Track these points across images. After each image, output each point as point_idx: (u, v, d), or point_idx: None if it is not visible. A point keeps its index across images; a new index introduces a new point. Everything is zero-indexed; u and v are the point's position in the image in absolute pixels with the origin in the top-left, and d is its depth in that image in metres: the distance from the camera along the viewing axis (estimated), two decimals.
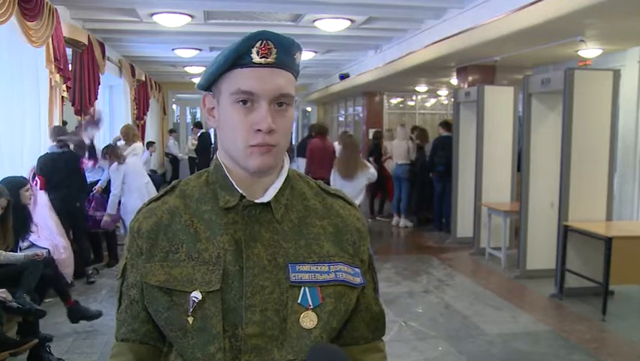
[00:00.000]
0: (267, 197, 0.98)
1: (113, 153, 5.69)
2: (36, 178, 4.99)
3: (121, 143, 6.90)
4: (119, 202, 5.75)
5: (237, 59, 0.92)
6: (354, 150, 5.57)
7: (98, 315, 4.08)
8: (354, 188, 5.33)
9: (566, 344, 3.99)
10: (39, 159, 5.12)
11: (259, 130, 0.92)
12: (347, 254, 1.01)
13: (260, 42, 0.92)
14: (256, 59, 0.92)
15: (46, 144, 5.46)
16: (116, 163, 5.63)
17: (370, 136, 12.59)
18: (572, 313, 4.69)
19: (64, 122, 5.98)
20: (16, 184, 4.23)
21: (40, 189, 4.90)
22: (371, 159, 8.65)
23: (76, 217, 5.39)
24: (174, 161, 13.67)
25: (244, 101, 0.93)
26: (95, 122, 5.90)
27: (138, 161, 6.64)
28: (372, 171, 5.57)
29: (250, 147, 0.93)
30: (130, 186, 5.62)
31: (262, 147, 0.93)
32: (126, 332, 1.02)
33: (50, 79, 5.51)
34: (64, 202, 5.08)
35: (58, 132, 5.23)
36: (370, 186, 8.25)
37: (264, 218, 0.97)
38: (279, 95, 0.93)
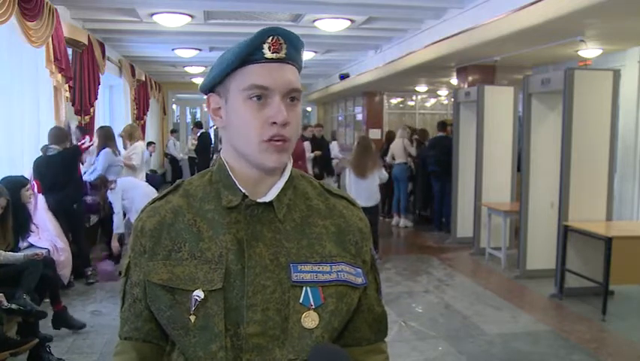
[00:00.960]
0: (270, 196, 0.98)
1: (102, 183, 5.62)
2: (33, 182, 4.98)
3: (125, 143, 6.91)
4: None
5: (249, 54, 0.93)
6: (368, 151, 5.71)
7: (81, 326, 4.07)
8: (368, 185, 5.58)
9: (566, 344, 3.99)
10: (35, 161, 5.09)
11: (274, 123, 0.93)
12: (349, 254, 1.01)
13: (271, 37, 0.93)
14: (268, 54, 0.93)
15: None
16: (108, 190, 5.57)
17: (371, 136, 12.63)
18: (572, 313, 4.69)
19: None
20: (16, 183, 4.23)
21: (38, 192, 4.90)
22: (386, 159, 8.73)
23: (75, 218, 5.38)
24: (174, 161, 13.60)
25: (258, 97, 0.93)
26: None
27: (138, 159, 6.65)
28: (383, 171, 5.82)
29: (264, 142, 0.93)
30: (133, 200, 5.56)
31: (277, 144, 0.93)
32: (129, 330, 1.03)
33: (52, 79, 5.52)
34: (61, 204, 5.08)
35: (59, 136, 5.22)
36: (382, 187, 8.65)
37: (267, 217, 0.98)
38: (291, 90, 0.95)
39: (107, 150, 5.99)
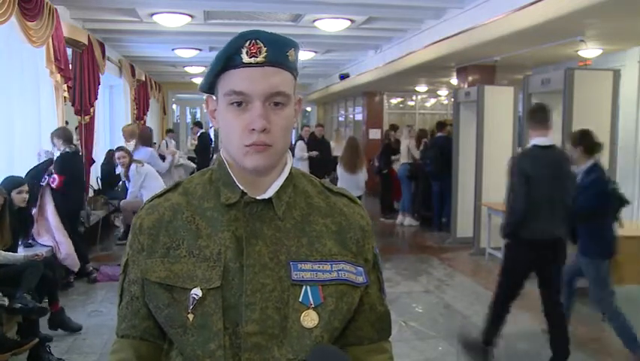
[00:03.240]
0: (269, 194, 0.98)
1: (148, 138, 5.94)
2: (53, 176, 4.96)
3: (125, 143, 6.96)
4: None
5: (228, 60, 0.93)
6: (356, 150, 6.30)
7: (77, 329, 4.06)
8: (356, 180, 6.12)
9: None
10: (63, 156, 5.07)
11: (254, 130, 0.92)
12: (350, 253, 1.01)
13: (248, 42, 0.92)
14: (245, 58, 0.92)
15: (45, 145, 5.46)
16: (135, 166, 5.79)
17: (371, 136, 12.65)
18: (572, 313, 4.68)
19: (66, 123, 6.00)
20: (8, 185, 4.19)
21: (57, 187, 4.87)
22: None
23: (76, 218, 5.41)
24: None
25: (238, 103, 0.93)
26: None
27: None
28: (365, 171, 6.33)
29: (246, 146, 0.93)
30: (149, 189, 5.73)
31: (258, 146, 0.93)
32: (126, 328, 1.02)
33: (52, 79, 5.53)
34: (74, 202, 5.12)
35: (67, 134, 5.25)
36: (384, 186, 9.23)
37: (266, 215, 0.97)
38: (272, 94, 0.93)
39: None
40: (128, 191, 6.07)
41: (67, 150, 5.11)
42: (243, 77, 0.92)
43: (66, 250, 4.72)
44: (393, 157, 9.18)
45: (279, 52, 0.94)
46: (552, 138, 3.56)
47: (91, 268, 5.43)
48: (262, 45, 0.92)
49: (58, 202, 4.84)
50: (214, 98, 1.00)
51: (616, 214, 3.90)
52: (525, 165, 3.47)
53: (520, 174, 3.44)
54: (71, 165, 5.05)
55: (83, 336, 4.02)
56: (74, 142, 5.37)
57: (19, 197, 4.11)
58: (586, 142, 3.76)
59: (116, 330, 1.05)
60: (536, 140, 3.53)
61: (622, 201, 3.95)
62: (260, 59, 0.92)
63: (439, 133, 8.15)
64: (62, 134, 5.18)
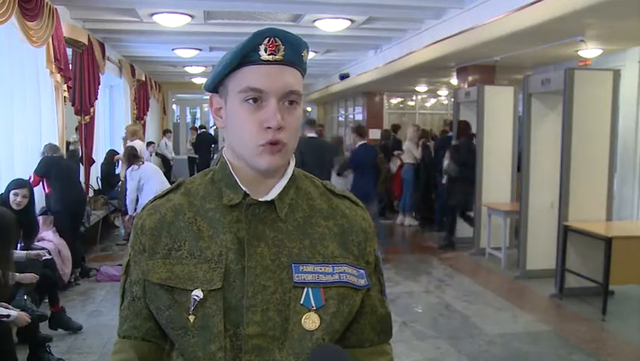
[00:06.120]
0: (271, 195, 0.97)
1: (132, 156, 5.71)
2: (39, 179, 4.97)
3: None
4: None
5: (245, 56, 0.92)
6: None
7: (78, 328, 4.05)
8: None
9: (565, 344, 3.99)
10: (46, 160, 5.08)
11: (269, 128, 0.92)
12: (352, 255, 1.00)
13: (267, 39, 0.92)
14: (264, 56, 0.92)
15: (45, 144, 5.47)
16: (131, 168, 5.62)
17: (371, 136, 12.66)
18: (572, 313, 4.69)
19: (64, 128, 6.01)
20: (8, 184, 4.19)
21: (33, 185, 4.86)
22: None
23: (78, 219, 5.41)
24: (165, 161, 12.96)
25: (254, 99, 0.92)
26: None
27: (151, 163, 6.66)
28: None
29: (260, 146, 0.93)
30: (151, 189, 5.49)
31: (273, 146, 0.92)
32: (128, 328, 1.02)
33: (52, 79, 5.53)
34: (72, 204, 5.11)
35: (56, 149, 5.28)
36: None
37: (268, 217, 0.97)
38: (288, 93, 0.93)
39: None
40: (126, 200, 5.73)
41: (53, 154, 5.14)
42: (260, 74, 0.92)
43: (68, 269, 4.77)
44: (395, 152, 9.17)
45: (295, 51, 0.94)
46: (316, 132, 6.22)
47: (77, 274, 5.34)
48: (280, 43, 0.92)
49: (52, 204, 4.86)
50: (219, 96, 0.99)
51: (378, 176, 6.49)
52: (301, 146, 5.32)
53: (298, 150, 5.34)
54: (48, 166, 5.04)
55: (83, 336, 4.02)
56: (73, 141, 5.36)
57: (12, 198, 4.13)
58: (357, 131, 6.79)
59: (117, 331, 1.05)
60: (309, 134, 6.02)
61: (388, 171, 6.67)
62: (278, 56, 0.92)
63: (450, 133, 8.09)
64: (48, 149, 5.22)
